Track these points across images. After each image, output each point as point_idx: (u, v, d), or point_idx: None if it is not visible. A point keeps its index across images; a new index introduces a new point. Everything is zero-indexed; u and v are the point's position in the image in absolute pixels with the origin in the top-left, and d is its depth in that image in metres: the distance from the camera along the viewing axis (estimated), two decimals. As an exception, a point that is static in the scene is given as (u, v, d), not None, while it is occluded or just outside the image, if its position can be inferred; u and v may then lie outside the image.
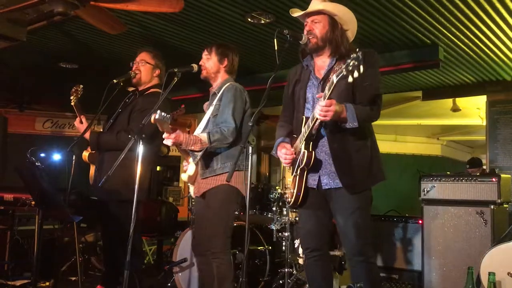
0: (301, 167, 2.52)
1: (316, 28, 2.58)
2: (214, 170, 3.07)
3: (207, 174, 3.09)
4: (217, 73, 3.22)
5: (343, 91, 2.42)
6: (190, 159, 3.16)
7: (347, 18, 2.61)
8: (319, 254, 2.67)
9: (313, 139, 2.54)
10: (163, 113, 2.67)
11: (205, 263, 3.19)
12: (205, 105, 3.34)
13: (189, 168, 3.18)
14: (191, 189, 3.27)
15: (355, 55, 2.13)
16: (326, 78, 2.57)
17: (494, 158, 5.92)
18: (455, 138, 10.64)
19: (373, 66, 2.51)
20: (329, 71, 2.57)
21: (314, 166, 2.52)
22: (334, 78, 2.21)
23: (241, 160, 3.01)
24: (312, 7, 2.61)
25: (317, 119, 2.37)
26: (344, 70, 2.15)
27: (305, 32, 2.62)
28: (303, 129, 2.51)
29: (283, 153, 2.61)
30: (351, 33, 2.66)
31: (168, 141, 2.91)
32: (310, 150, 2.50)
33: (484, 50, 4.76)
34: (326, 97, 2.28)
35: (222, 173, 3.05)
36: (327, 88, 2.27)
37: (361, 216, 2.52)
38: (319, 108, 2.29)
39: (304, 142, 2.50)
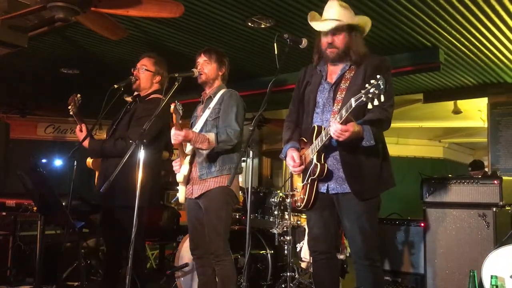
0: (312, 177, 2.53)
1: (337, 39, 2.57)
2: (212, 172, 3.10)
3: (205, 176, 3.11)
4: (215, 79, 3.26)
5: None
6: (186, 160, 3.18)
7: (366, 26, 2.64)
8: (326, 256, 2.69)
9: (324, 150, 2.55)
10: (179, 104, 2.82)
11: (203, 265, 3.20)
12: (199, 108, 3.36)
13: (182, 168, 3.19)
14: (180, 194, 3.24)
15: (375, 82, 2.12)
16: (338, 83, 2.59)
17: (496, 160, 5.91)
18: (456, 140, 10.62)
19: (386, 74, 2.48)
20: (341, 76, 2.59)
21: (325, 176, 2.54)
22: (352, 101, 2.23)
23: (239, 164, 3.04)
24: (330, 16, 2.56)
25: (330, 136, 2.38)
26: (364, 97, 2.16)
27: (324, 42, 2.60)
28: (315, 141, 2.51)
29: (292, 166, 2.65)
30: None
31: (178, 137, 2.92)
32: (323, 162, 2.52)
33: (484, 52, 4.76)
34: (343, 118, 2.29)
35: (221, 175, 3.08)
36: (344, 110, 2.29)
37: (367, 221, 2.53)
38: (335, 129, 2.30)
39: (316, 154, 2.51)
